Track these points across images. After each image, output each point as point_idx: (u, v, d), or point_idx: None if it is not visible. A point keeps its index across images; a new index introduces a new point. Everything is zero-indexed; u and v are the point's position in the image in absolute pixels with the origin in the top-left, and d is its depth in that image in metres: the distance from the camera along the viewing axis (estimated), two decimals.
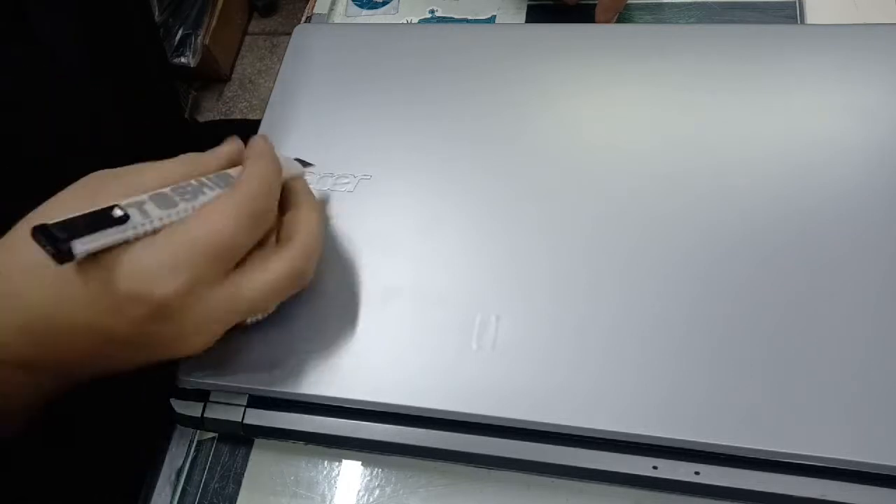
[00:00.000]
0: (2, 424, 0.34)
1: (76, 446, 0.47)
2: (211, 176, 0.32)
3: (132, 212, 0.28)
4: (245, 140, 0.36)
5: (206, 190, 0.31)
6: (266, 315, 0.34)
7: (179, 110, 0.68)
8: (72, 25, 0.46)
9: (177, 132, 0.64)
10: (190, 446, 0.37)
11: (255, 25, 1.65)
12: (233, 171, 0.33)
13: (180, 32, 1.41)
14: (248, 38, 1.63)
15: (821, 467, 0.28)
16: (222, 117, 1.52)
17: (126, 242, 0.28)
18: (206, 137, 0.35)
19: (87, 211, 0.27)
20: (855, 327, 0.30)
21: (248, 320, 0.33)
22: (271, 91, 0.43)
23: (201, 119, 1.52)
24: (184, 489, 0.36)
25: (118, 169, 0.31)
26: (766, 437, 0.29)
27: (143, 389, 0.40)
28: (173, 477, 0.36)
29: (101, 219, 0.27)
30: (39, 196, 0.32)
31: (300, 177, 0.36)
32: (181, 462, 0.36)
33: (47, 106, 0.45)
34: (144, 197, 0.29)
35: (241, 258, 0.30)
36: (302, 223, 0.33)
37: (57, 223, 0.26)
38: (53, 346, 0.29)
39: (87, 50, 0.47)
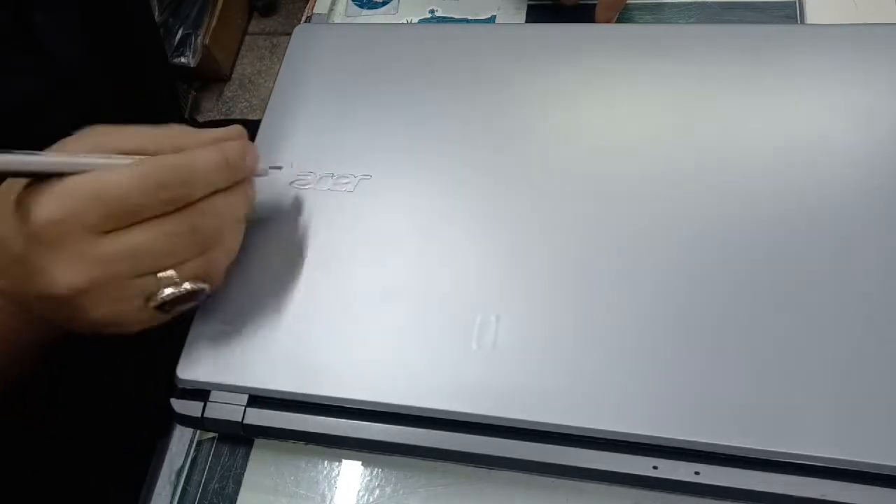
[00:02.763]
0: None
1: (77, 446, 0.47)
2: None
3: (49, 153, 0.30)
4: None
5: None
6: (179, 306, 0.32)
7: (179, 110, 0.68)
8: (73, 26, 0.46)
9: None
10: (190, 446, 0.37)
11: (255, 25, 1.65)
12: None
13: (180, 32, 1.41)
14: (248, 38, 1.63)
15: (821, 467, 0.28)
16: (222, 117, 1.52)
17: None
18: None
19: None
20: (855, 327, 0.30)
21: (155, 302, 0.32)
22: (271, 91, 0.43)
23: (201, 119, 1.52)
24: (184, 489, 0.36)
25: (115, 126, 0.33)
26: (766, 437, 0.29)
27: (143, 389, 0.40)
28: (173, 477, 0.36)
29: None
30: None
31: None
32: (181, 462, 0.36)
33: (48, 106, 0.45)
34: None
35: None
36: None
37: None
38: None
39: (87, 50, 0.47)
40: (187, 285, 0.32)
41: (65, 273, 0.29)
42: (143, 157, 0.31)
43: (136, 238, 0.30)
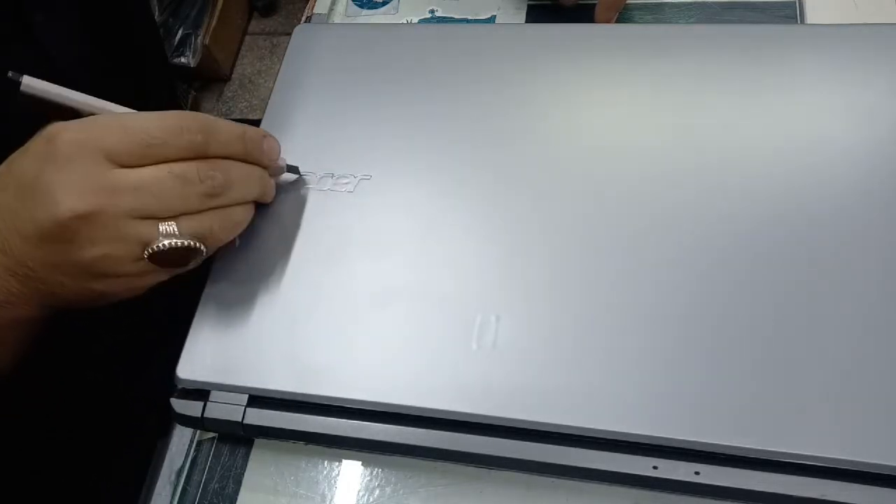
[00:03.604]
0: None
1: (77, 446, 0.47)
2: None
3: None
4: None
5: None
6: (175, 262, 0.33)
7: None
8: (73, 26, 0.46)
9: None
10: (190, 446, 0.37)
11: (255, 25, 1.65)
12: None
13: (180, 32, 1.41)
14: (248, 38, 1.63)
15: (821, 467, 0.28)
16: (222, 117, 1.52)
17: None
18: None
19: None
20: (855, 327, 0.30)
21: (149, 250, 0.31)
22: (271, 91, 0.43)
23: None
24: (184, 489, 0.36)
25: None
26: (766, 437, 0.29)
27: (143, 389, 0.40)
28: (173, 477, 0.36)
29: None
30: None
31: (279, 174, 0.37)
32: (181, 462, 0.36)
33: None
34: None
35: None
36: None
37: None
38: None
39: (87, 51, 0.47)
40: (185, 241, 0.31)
41: (69, 194, 0.30)
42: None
43: (147, 174, 0.30)
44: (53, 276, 0.32)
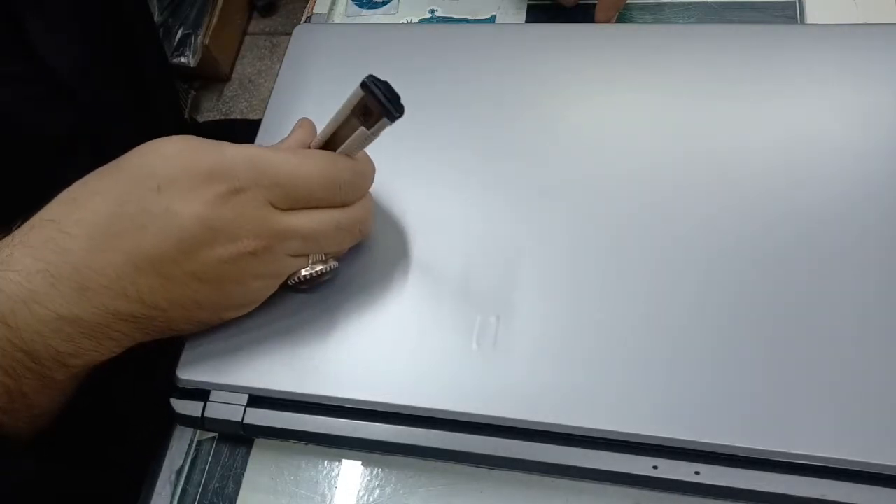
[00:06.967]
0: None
1: (76, 445, 0.47)
2: None
3: None
4: (247, 140, 0.36)
5: None
6: (313, 284, 0.34)
7: (179, 110, 0.68)
8: (70, 31, 0.46)
9: (177, 132, 0.63)
10: (190, 446, 0.37)
11: (255, 25, 1.65)
12: None
13: (180, 32, 1.41)
14: (248, 38, 1.63)
15: (821, 467, 0.29)
16: (222, 117, 1.52)
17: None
18: (205, 137, 0.36)
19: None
20: (855, 327, 0.30)
21: (295, 279, 0.33)
22: (271, 91, 0.43)
23: (201, 119, 1.52)
24: (184, 489, 0.36)
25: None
26: (766, 437, 0.29)
27: (143, 389, 0.40)
28: (173, 477, 0.36)
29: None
30: (43, 199, 0.32)
31: None
32: (181, 462, 0.36)
33: (48, 108, 0.45)
34: None
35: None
36: None
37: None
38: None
39: (86, 54, 0.47)
40: (329, 265, 0.33)
41: (249, 231, 0.30)
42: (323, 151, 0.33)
43: (312, 223, 0.32)
44: (191, 314, 0.32)
